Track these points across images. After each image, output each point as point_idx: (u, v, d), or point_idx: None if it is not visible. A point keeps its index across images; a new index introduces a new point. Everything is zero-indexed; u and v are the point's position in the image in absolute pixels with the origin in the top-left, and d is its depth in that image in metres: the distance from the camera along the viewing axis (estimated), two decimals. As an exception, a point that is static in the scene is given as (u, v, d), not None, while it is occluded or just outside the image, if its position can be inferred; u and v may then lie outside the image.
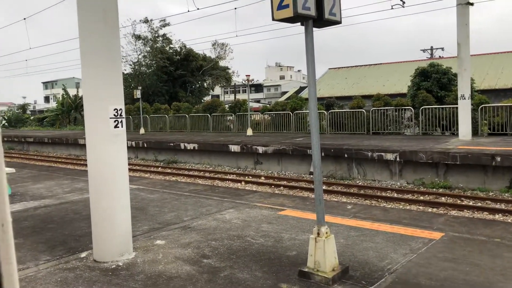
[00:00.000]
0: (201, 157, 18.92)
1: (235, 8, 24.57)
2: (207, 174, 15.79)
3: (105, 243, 4.73)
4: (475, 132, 16.38)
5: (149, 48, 37.63)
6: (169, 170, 17.03)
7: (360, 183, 13.11)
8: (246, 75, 22.37)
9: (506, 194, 10.74)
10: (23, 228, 6.22)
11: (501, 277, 4.15)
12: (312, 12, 3.79)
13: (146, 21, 36.99)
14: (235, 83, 50.47)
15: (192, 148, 19.07)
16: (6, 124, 56.82)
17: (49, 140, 28.03)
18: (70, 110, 43.96)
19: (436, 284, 4.02)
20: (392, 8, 16.49)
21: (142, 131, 28.49)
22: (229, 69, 42.31)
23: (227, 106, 28.42)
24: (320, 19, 3.86)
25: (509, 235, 6.70)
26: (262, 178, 14.59)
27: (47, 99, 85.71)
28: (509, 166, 11.19)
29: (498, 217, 8.82)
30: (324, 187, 12.71)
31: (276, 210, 7.00)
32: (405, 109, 19.80)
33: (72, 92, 46.73)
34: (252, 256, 4.82)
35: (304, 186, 12.86)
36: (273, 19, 3.81)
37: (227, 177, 14.90)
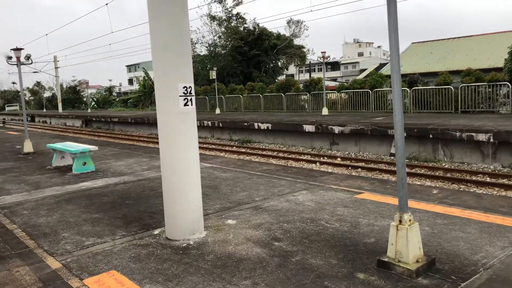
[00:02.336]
0: (274, 137, 18.77)
1: None
2: (280, 154, 15.60)
3: (177, 221, 4.71)
4: None
5: (223, 29, 37.96)
6: (243, 150, 17.12)
7: (446, 166, 12.07)
8: (322, 52, 21.58)
9: None
10: (103, 203, 6.50)
11: None
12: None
13: (220, 1, 37.23)
14: (310, 62, 49.33)
15: (265, 128, 18.98)
16: (95, 105, 61.54)
17: (132, 120, 29.72)
18: (151, 92, 46.25)
19: (544, 285, 3.41)
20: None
21: (217, 111, 29.05)
22: (304, 47, 41.37)
23: (301, 85, 27.86)
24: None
25: None
26: (339, 159, 14.05)
27: (130, 81, 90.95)
28: None
29: None
30: (406, 170, 11.85)
31: (352, 193, 6.58)
32: (500, 85, 17.80)
33: (152, 74, 48.99)
34: (326, 241, 4.52)
35: (384, 168, 12.13)
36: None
37: (301, 157, 14.58)
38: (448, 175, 10.85)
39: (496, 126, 12.52)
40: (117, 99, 62.72)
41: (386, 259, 3.74)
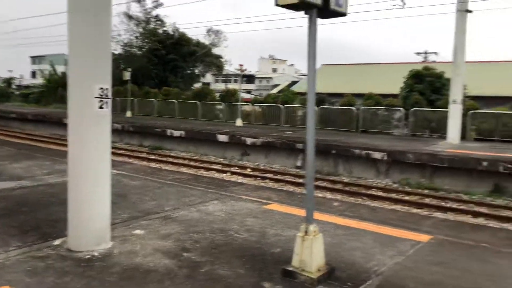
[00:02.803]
0: (187, 145, 18.63)
1: None
2: (192, 163, 15.53)
3: (81, 231, 4.47)
4: (463, 136, 16.43)
5: (141, 29, 36.88)
6: (153, 157, 16.72)
7: (346, 180, 13.02)
8: (240, 65, 22.09)
9: (489, 198, 10.76)
10: (-5, 209, 5.91)
11: (491, 283, 4.04)
12: (318, 0, 3.57)
13: (138, 0, 36.18)
14: (226, 72, 49.97)
15: (179, 135, 18.76)
16: (-12, 97, 55.36)
17: (33, 118, 27.36)
18: (57, 88, 42.79)
19: (423, 289, 3.88)
20: (392, 8, 16.32)
21: (128, 114, 28.00)
22: (222, 57, 41.77)
23: (217, 94, 28.07)
24: (326, 9, 3.64)
25: (497, 241, 6.63)
26: (249, 169, 14.40)
27: (34, 74, 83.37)
28: (495, 172, 11.21)
29: (480, 220, 8.79)
30: (310, 183, 12.57)
31: (261, 204, 6.81)
32: (395, 110, 19.76)
33: (60, 69, 45.41)
34: (235, 251, 4.63)
35: (290, 180, 12.72)
36: (277, 5, 3.58)
37: (213, 167, 14.68)
38: (347, 188, 11.72)
39: (390, 146, 13.84)
40: (17, 92, 57.14)
41: (291, 268, 3.95)
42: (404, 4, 16.08)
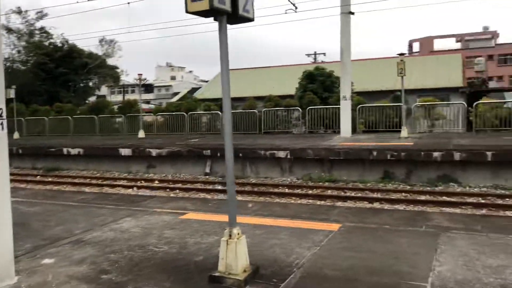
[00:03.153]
0: (87, 163, 17.50)
1: (128, 3, 23.13)
2: (94, 181, 14.66)
3: (-21, 268, 4.01)
4: (353, 129, 17.90)
5: (24, 43, 33.70)
6: (50, 179, 15.44)
7: (253, 181, 13.38)
8: (138, 74, 21.42)
9: (381, 184, 11.90)
10: None
11: (395, 261, 4.51)
12: (227, 7, 3.69)
13: (19, 12, 33.04)
14: (123, 83, 47.97)
15: (76, 153, 17.57)
16: None
17: None
18: None
19: (340, 274, 4.21)
20: (286, 13, 17.18)
21: (16, 135, 25.41)
22: (117, 68, 40.00)
23: (115, 107, 26.83)
24: (235, 15, 3.78)
25: (394, 222, 7.39)
26: (156, 182, 14.04)
27: None
28: (383, 160, 12.42)
29: (376, 205, 9.70)
30: (219, 187, 12.74)
31: (177, 215, 6.73)
32: (293, 110, 20.84)
33: None
34: (158, 265, 4.52)
35: (201, 187, 12.70)
36: (187, 11, 3.61)
37: (118, 183, 14.03)
38: (256, 189, 12.06)
39: (291, 144, 14.58)
40: None
41: (217, 274, 3.99)
42: (296, 8, 16.99)
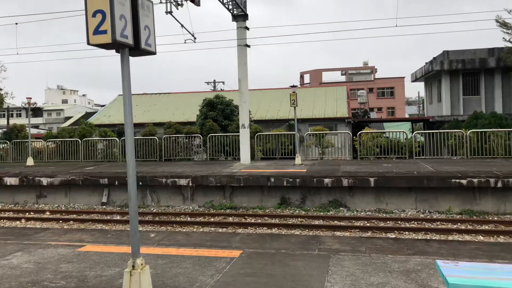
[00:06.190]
0: (-39, 193, 15.54)
1: (16, 23, 21.39)
2: (-29, 214, 13.08)
3: None
4: (252, 156, 18.67)
5: None
6: None
7: (154, 210, 13.16)
8: (27, 98, 19.74)
9: (278, 210, 12.58)
10: None
11: (292, 283, 4.91)
12: (130, 40, 3.82)
13: None
14: (8, 106, 43.54)
15: None
16: None
17: None
18: None
19: (242, 298, 4.46)
20: (185, 42, 17.58)
21: None
22: (1, 89, 36.19)
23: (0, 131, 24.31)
24: (137, 48, 3.92)
25: (290, 246, 7.91)
26: (47, 213, 13.04)
27: None
28: (280, 186, 13.15)
29: (275, 230, 10.25)
30: (118, 217, 12.28)
31: (74, 247, 6.43)
32: (194, 137, 21.03)
33: None
34: (55, 303, 4.33)
35: (97, 218, 12.12)
36: (89, 43, 3.67)
37: (2, 215, 12.71)
38: (157, 218, 11.89)
39: (192, 171, 14.69)
40: None
41: (121, 306, 3.97)
42: (195, 38, 17.57)
